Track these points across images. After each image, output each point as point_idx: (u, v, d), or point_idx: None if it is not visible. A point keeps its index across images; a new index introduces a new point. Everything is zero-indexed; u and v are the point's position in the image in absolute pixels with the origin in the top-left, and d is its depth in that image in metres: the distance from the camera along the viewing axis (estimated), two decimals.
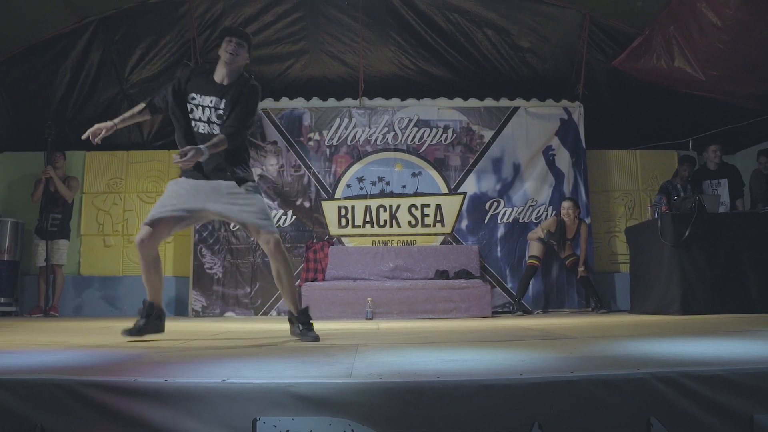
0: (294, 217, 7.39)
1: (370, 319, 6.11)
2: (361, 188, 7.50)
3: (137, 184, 7.71)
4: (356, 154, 7.56)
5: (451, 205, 7.50)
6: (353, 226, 7.45)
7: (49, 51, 7.17)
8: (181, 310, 7.44)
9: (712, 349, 2.32)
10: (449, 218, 7.48)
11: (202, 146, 3.06)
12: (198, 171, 3.27)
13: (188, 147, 3.06)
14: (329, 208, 7.47)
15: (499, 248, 7.42)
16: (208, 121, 3.27)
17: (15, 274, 7.14)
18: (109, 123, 3.30)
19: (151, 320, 3.26)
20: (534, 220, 7.42)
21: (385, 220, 7.47)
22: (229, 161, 3.27)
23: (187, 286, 7.31)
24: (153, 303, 3.29)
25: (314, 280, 6.96)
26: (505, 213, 7.48)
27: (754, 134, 7.46)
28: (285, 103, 7.66)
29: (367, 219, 7.47)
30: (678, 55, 6.46)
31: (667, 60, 6.61)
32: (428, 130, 7.61)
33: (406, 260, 7.14)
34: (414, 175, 7.53)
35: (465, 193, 7.51)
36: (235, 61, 3.27)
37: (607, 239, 7.75)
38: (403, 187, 7.51)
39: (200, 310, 7.13)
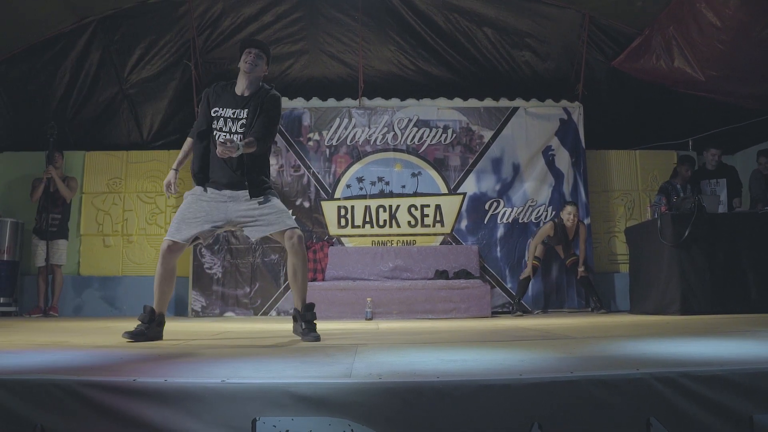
0: (294, 217, 7.35)
1: (370, 319, 6.11)
2: (361, 188, 7.50)
3: (137, 184, 7.71)
4: (356, 154, 7.56)
5: (451, 206, 7.50)
6: (353, 227, 7.45)
7: (49, 51, 7.17)
8: (181, 310, 7.44)
9: (711, 350, 2.32)
10: (449, 218, 7.48)
11: (239, 142, 3.15)
12: (221, 184, 3.34)
13: (228, 138, 3.16)
14: (329, 208, 7.47)
15: (498, 248, 7.42)
16: (230, 132, 3.33)
17: (14, 274, 7.13)
18: (172, 172, 3.54)
19: (153, 326, 3.27)
20: (533, 221, 7.42)
21: (385, 221, 7.47)
22: (251, 174, 3.33)
23: (187, 286, 7.31)
24: (156, 311, 3.31)
25: (314, 280, 6.96)
26: (504, 213, 7.48)
27: (753, 134, 7.46)
28: (284, 103, 7.60)
29: (367, 219, 7.46)
30: (678, 55, 6.46)
31: (666, 60, 6.61)
32: (428, 130, 7.61)
33: (405, 260, 7.14)
34: (414, 175, 7.53)
35: (465, 194, 7.51)
36: (254, 72, 3.37)
37: (607, 239, 7.75)
38: (403, 187, 7.51)
39: (200, 310, 7.13)
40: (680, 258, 5.32)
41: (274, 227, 3.31)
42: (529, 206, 7.47)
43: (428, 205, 7.51)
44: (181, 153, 3.58)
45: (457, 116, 7.65)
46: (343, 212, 7.47)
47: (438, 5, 7.21)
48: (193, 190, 3.41)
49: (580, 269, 6.80)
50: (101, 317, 6.91)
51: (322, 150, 7.55)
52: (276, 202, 3.38)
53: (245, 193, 3.32)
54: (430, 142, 7.57)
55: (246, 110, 3.33)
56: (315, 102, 7.66)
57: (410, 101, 7.70)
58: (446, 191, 7.51)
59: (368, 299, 6.23)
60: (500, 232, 7.44)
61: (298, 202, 7.42)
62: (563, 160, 7.57)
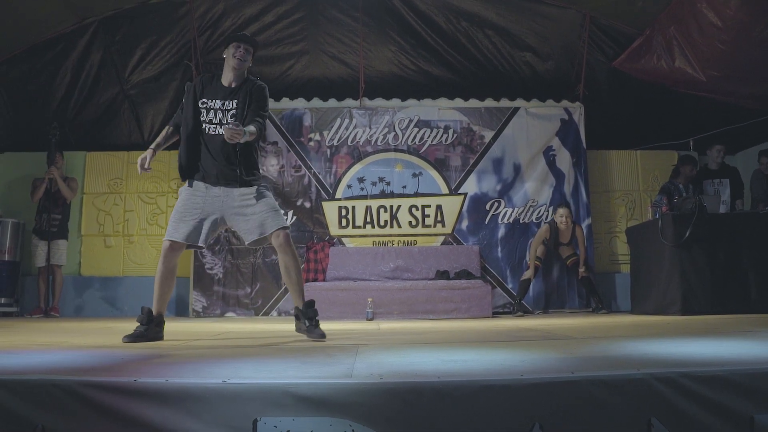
0: (294, 217, 7.39)
1: (371, 319, 6.11)
2: (362, 189, 7.50)
3: (138, 184, 7.71)
4: (357, 154, 7.56)
5: (452, 206, 7.50)
6: (354, 227, 7.44)
7: (50, 51, 7.17)
8: (182, 310, 7.44)
9: (712, 350, 2.32)
10: (450, 218, 7.47)
11: (244, 128, 3.16)
12: (211, 177, 3.34)
13: (234, 122, 3.15)
14: (330, 209, 7.47)
15: (499, 249, 7.42)
16: (219, 123, 3.34)
17: (15, 274, 7.14)
18: (149, 150, 3.47)
19: (152, 327, 3.26)
20: (534, 221, 7.42)
21: (386, 221, 7.47)
22: (241, 166, 3.34)
23: (188, 287, 7.31)
24: (154, 312, 3.30)
25: (315, 280, 6.96)
26: (505, 213, 7.48)
27: (754, 134, 7.46)
28: (285, 103, 7.65)
29: (368, 219, 7.46)
30: (678, 55, 6.46)
31: (667, 60, 6.61)
32: (429, 130, 7.61)
33: (406, 261, 7.14)
34: (414, 175, 7.53)
35: (465, 194, 7.51)
36: (243, 66, 3.41)
37: (608, 239, 7.75)
38: (404, 187, 7.51)
39: (201, 310, 7.13)
40: (681, 258, 5.32)
41: (265, 228, 3.29)
42: (530, 206, 7.47)
43: (429, 206, 7.51)
44: (159, 137, 3.53)
45: (457, 116, 7.65)
46: (344, 212, 7.48)
47: (439, 6, 7.21)
48: (185, 187, 3.42)
49: (581, 269, 6.80)
50: (102, 318, 6.91)
51: (323, 150, 7.55)
52: (268, 199, 3.37)
53: (238, 189, 3.32)
54: (431, 142, 7.57)
55: (235, 101, 3.35)
56: (316, 102, 7.66)
57: (411, 101, 7.70)
58: (447, 191, 7.51)
59: (369, 299, 6.23)
60: (501, 232, 7.44)
61: (299, 203, 7.42)
62: (564, 160, 7.57)
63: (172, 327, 4.83)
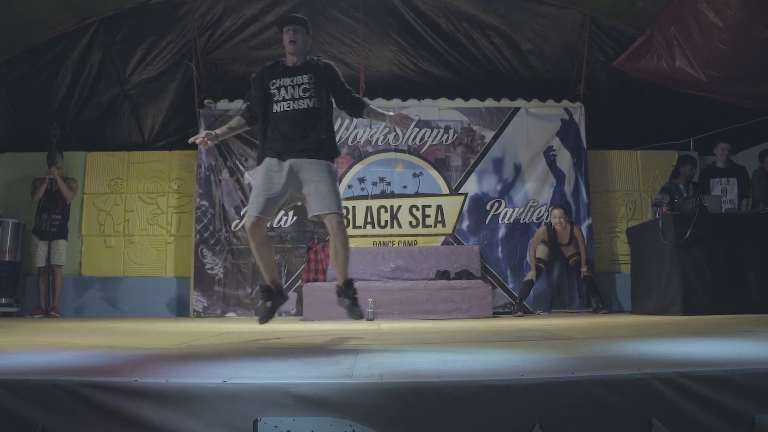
0: (295, 217, 7.39)
1: (371, 319, 6.10)
2: (362, 189, 7.50)
3: (138, 184, 7.71)
4: (357, 154, 7.56)
5: (452, 206, 7.50)
6: (354, 227, 7.44)
7: (50, 51, 7.18)
8: (183, 310, 7.44)
9: (712, 350, 2.32)
10: (450, 219, 7.47)
11: (389, 112, 3.47)
12: (283, 153, 3.42)
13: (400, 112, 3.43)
14: None
15: (500, 249, 7.42)
16: (292, 99, 3.42)
17: (16, 274, 7.14)
18: (212, 132, 3.57)
19: (276, 297, 3.50)
20: (535, 221, 7.42)
21: (386, 221, 7.46)
22: (318, 137, 3.43)
23: (188, 287, 7.32)
24: (269, 284, 3.53)
25: (315, 280, 6.95)
26: (506, 213, 7.48)
27: (755, 135, 7.45)
28: None
29: (368, 219, 7.46)
30: (679, 55, 6.46)
31: (667, 60, 6.61)
32: (429, 130, 7.61)
33: (407, 261, 7.13)
34: (415, 175, 7.53)
35: (466, 194, 7.51)
36: (297, 48, 3.48)
37: (608, 239, 7.75)
38: (404, 187, 7.50)
39: (201, 310, 7.13)
40: (681, 258, 5.32)
41: (323, 207, 3.39)
42: (531, 206, 7.47)
43: (429, 206, 7.51)
44: (226, 125, 3.67)
45: (458, 116, 7.65)
46: (344, 213, 7.44)
47: (439, 6, 7.22)
48: (260, 166, 3.51)
49: (583, 269, 6.80)
50: (103, 318, 6.91)
51: None
52: (334, 180, 3.45)
53: (309, 160, 3.39)
54: (432, 142, 7.57)
55: (304, 75, 3.44)
56: None
57: (411, 102, 7.70)
58: (447, 191, 7.51)
59: (369, 300, 6.22)
60: (502, 232, 7.44)
61: (299, 203, 7.39)
62: (564, 160, 7.57)
63: (173, 327, 4.84)
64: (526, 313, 6.85)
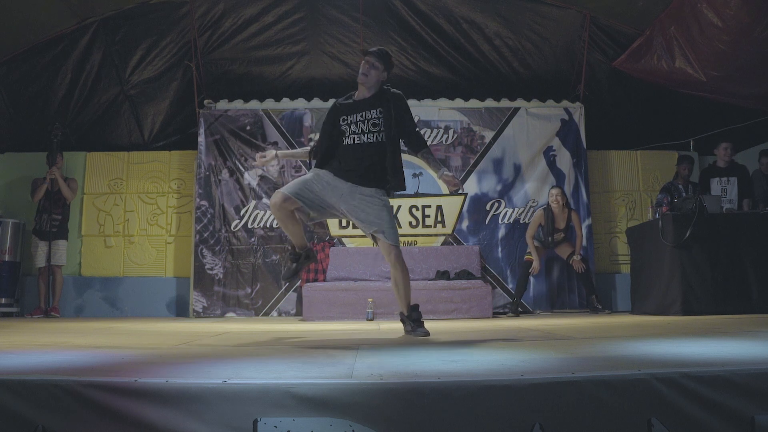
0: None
1: (371, 319, 6.10)
2: None
3: (138, 184, 7.72)
4: None
5: (452, 206, 7.50)
6: (354, 227, 7.42)
7: (50, 52, 7.17)
8: (182, 310, 7.45)
9: (713, 350, 2.32)
10: (450, 219, 7.47)
11: (443, 168, 3.74)
12: (343, 173, 3.53)
13: (450, 175, 3.63)
14: None
15: (500, 249, 7.42)
16: (362, 132, 3.55)
17: (16, 274, 7.15)
18: (273, 152, 3.73)
19: (302, 260, 3.60)
20: None
21: None
22: (385, 173, 3.59)
23: (188, 287, 7.32)
24: (298, 248, 3.62)
25: (315, 280, 6.96)
26: (505, 214, 7.48)
27: (755, 135, 7.45)
28: (286, 103, 7.66)
29: None
30: (679, 55, 6.45)
31: (667, 60, 6.60)
32: (429, 130, 7.61)
33: (407, 261, 7.08)
34: (415, 175, 7.52)
35: (466, 194, 7.51)
36: (368, 80, 3.61)
37: (608, 240, 7.75)
38: None
39: (201, 310, 7.13)
40: (681, 258, 5.32)
41: (381, 236, 3.58)
42: (531, 207, 7.47)
43: (429, 206, 7.51)
44: (291, 151, 3.76)
45: (458, 117, 7.66)
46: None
47: (439, 6, 7.21)
48: (319, 170, 3.58)
49: (576, 257, 6.73)
50: (102, 318, 6.92)
51: None
52: (390, 213, 3.60)
53: (367, 188, 3.52)
54: (431, 142, 7.57)
55: (373, 110, 3.56)
56: (316, 102, 7.66)
57: (411, 101, 7.55)
58: (447, 192, 7.51)
59: (369, 300, 6.22)
60: (501, 232, 7.44)
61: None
62: (564, 160, 7.57)
63: (173, 327, 4.83)
64: (517, 314, 6.70)
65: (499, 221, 7.46)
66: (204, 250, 7.27)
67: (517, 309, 6.79)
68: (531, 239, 6.88)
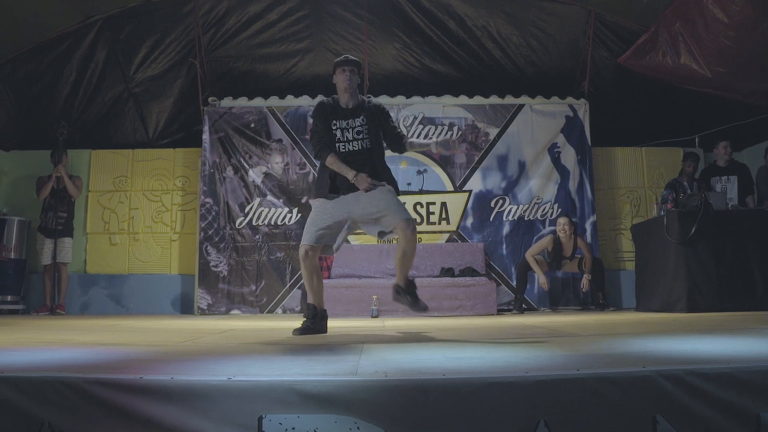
0: (299, 215, 7.39)
1: (376, 316, 6.11)
2: None
3: (143, 182, 7.74)
4: None
5: (457, 203, 7.49)
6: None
7: (55, 50, 7.19)
8: (187, 308, 7.46)
9: (718, 347, 2.31)
10: (454, 216, 7.47)
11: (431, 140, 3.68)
12: (343, 189, 3.58)
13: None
14: None
15: (504, 246, 7.41)
16: (347, 141, 3.65)
17: (21, 272, 7.17)
18: (353, 172, 3.59)
19: (317, 321, 3.58)
20: (539, 218, 7.41)
21: None
22: (374, 172, 3.59)
23: (193, 284, 7.33)
24: (316, 306, 3.62)
25: None
26: (510, 210, 7.47)
27: (761, 131, 7.42)
28: (290, 101, 7.66)
29: None
30: (684, 51, 6.43)
31: (672, 57, 6.58)
32: (433, 127, 7.60)
33: None
34: (419, 172, 7.52)
35: (470, 191, 7.50)
36: (352, 87, 3.75)
37: (613, 236, 7.73)
38: (408, 184, 7.49)
39: (206, 308, 7.15)
40: (686, 255, 5.30)
41: (392, 220, 3.50)
42: (535, 203, 7.46)
43: (434, 203, 7.51)
44: (338, 164, 3.65)
45: (462, 113, 7.64)
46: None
47: (443, 3, 7.20)
48: (318, 200, 3.65)
49: (587, 276, 6.64)
50: (108, 315, 6.94)
51: None
52: (393, 195, 3.58)
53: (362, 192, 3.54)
54: (436, 139, 7.56)
55: (357, 119, 3.67)
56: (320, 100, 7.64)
57: (416, 99, 7.69)
58: (452, 189, 7.50)
59: (374, 297, 6.22)
60: (506, 229, 7.43)
61: (303, 200, 7.42)
62: (569, 157, 7.55)
63: (178, 324, 4.85)
64: (521, 312, 6.69)
65: (504, 218, 7.45)
66: (209, 248, 7.28)
67: (521, 306, 6.78)
68: (532, 257, 6.81)
